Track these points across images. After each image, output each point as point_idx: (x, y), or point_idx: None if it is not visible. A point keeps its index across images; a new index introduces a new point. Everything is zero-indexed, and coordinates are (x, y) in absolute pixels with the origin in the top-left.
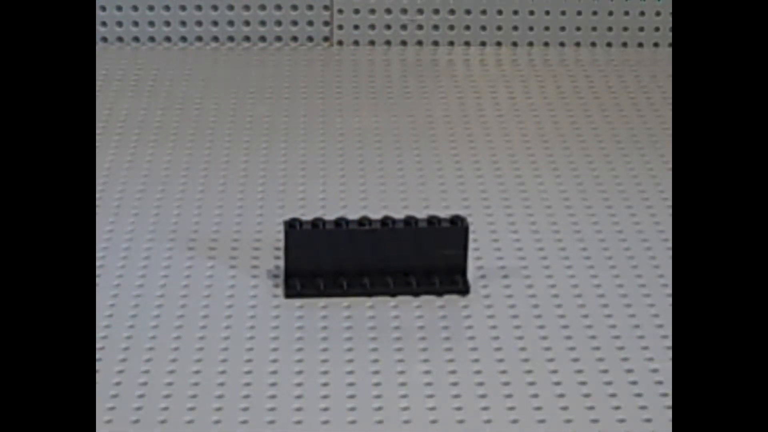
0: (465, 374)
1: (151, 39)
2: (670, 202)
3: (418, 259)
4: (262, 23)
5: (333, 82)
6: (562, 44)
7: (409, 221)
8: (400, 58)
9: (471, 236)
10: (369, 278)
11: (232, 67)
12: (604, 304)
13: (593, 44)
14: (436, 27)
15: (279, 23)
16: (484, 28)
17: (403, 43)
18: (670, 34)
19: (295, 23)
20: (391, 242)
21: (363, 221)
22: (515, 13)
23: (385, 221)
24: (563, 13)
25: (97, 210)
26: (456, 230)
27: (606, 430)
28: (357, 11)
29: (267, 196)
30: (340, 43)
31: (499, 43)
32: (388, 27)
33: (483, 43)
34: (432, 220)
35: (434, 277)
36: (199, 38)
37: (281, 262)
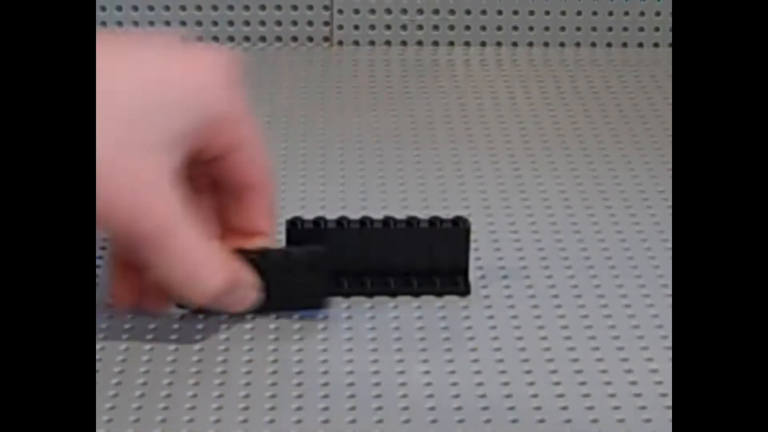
0: (465, 374)
1: None
2: (670, 202)
3: (420, 259)
4: (262, 23)
5: (333, 82)
6: (562, 44)
7: (411, 221)
8: (400, 58)
9: (471, 236)
10: (370, 278)
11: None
12: (604, 304)
13: (593, 44)
14: (436, 27)
15: (279, 23)
16: (484, 28)
17: (403, 43)
18: (670, 34)
19: (295, 23)
20: (393, 242)
21: (365, 221)
22: (515, 13)
23: (387, 221)
24: (563, 13)
25: None
26: (458, 231)
27: (606, 430)
28: (357, 11)
29: None
30: (340, 43)
31: (499, 43)
32: (388, 27)
33: (483, 43)
34: (434, 221)
35: (435, 277)
36: (200, 38)
37: None
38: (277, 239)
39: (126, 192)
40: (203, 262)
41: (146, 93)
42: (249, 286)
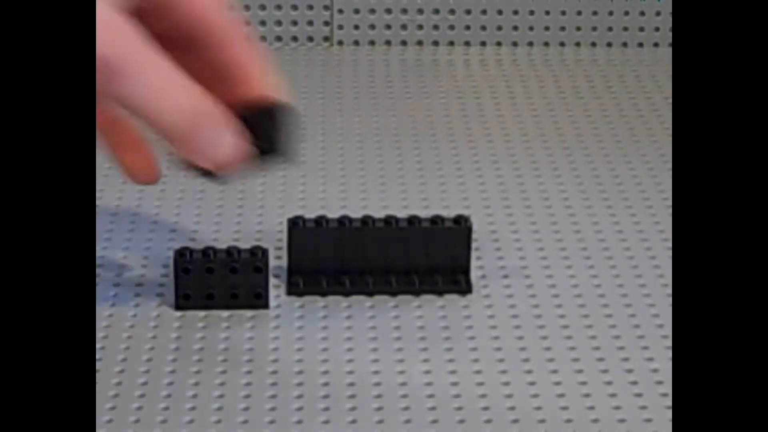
0: (465, 373)
1: None
2: (670, 202)
3: (421, 258)
4: (262, 23)
5: (333, 82)
6: (562, 44)
7: (413, 220)
8: (400, 58)
9: (472, 235)
10: (372, 277)
11: None
12: (604, 304)
13: (593, 44)
14: (436, 27)
15: (279, 23)
16: (484, 28)
17: (403, 43)
18: (670, 34)
19: (295, 23)
20: (395, 241)
21: (366, 220)
22: (515, 13)
23: (389, 220)
24: (563, 13)
25: (97, 210)
26: (459, 230)
27: (606, 430)
28: (357, 11)
29: (267, 196)
30: (340, 43)
31: (499, 43)
32: (388, 27)
33: (483, 43)
34: (435, 220)
35: (437, 276)
36: None
37: (281, 262)
38: (269, 85)
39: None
40: (171, 79)
41: None
42: (226, 127)
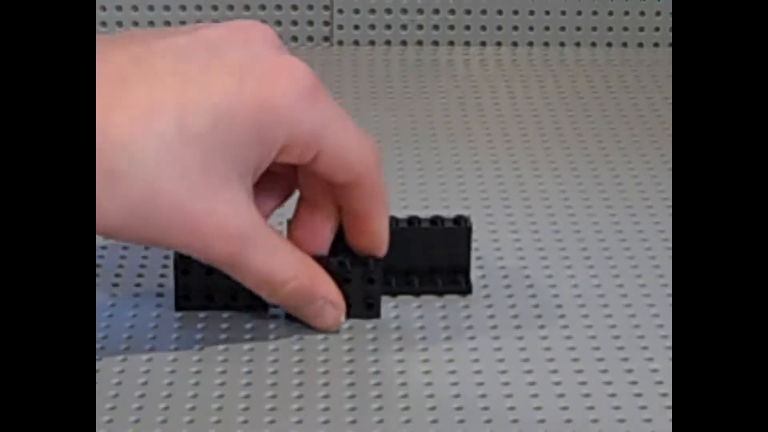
0: (465, 374)
1: None
2: (670, 202)
3: (421, 258)
4: (263, 23)
5: (333, 82)
6: (562, 44)
7: (412, 221)
8: (400, 58)
9: (472, 236)
10: None
11: None
12: (604, 304)
13: (593, 44)
14: (436, 27)
15: (279, 23)
16: (484, 28)
17: (403, 43)
18: (670, 34)
19: (295, 23)
20: (394, 242)
21: None
22: (515, 13)
23: (389, 220)
24: (563, 13)
25: None
26: (459, 230)
27: (606, 430)
28: (357, 11)
29: None
30: (340, 43)
31: (499, 43)
32: (388, 27)
33: (483, 43)
34: (435, 220)
35: (436, 277)
36: None
37: None
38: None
39: (196, 229)
40: (274, 272)
41: (217, 132)
42: (329, 301)
